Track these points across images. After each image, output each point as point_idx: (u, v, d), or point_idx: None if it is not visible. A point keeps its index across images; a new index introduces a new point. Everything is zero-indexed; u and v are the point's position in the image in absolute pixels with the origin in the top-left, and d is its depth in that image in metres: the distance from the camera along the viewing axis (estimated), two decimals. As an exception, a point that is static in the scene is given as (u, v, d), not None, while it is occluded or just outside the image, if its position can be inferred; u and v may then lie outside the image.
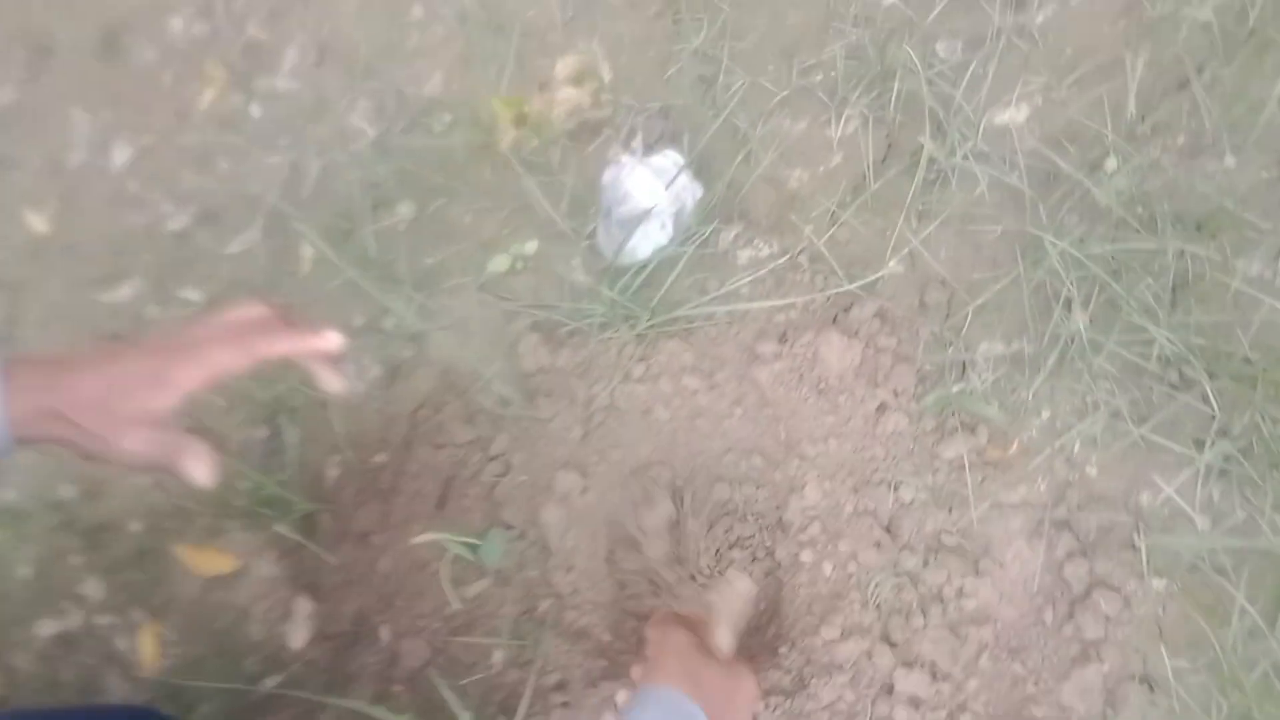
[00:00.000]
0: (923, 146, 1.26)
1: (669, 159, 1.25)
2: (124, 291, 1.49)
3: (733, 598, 1.08)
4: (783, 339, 1.21)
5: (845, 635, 1.09)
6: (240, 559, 1.32)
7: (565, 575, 1.20)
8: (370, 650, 1.23)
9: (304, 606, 1.28)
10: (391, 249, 1.41)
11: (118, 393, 0.73)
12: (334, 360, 0.84)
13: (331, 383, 0.84)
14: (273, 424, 1.37)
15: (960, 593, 1.11)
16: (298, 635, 1.27)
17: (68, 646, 1.33)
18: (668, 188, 1.21)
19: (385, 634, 1.24)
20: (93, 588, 1.36)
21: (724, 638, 1.03)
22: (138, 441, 0.73)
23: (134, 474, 1.37)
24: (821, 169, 1.31)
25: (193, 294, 1.47)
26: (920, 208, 1.24)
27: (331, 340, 0.81)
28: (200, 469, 0.74)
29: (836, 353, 1.15)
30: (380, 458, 1.32)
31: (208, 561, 1.33)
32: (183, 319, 0.80)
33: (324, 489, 1.34)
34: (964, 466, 1.15)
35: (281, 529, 1.29)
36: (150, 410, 0.73)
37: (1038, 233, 1.13)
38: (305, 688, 1.22)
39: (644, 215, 1.20)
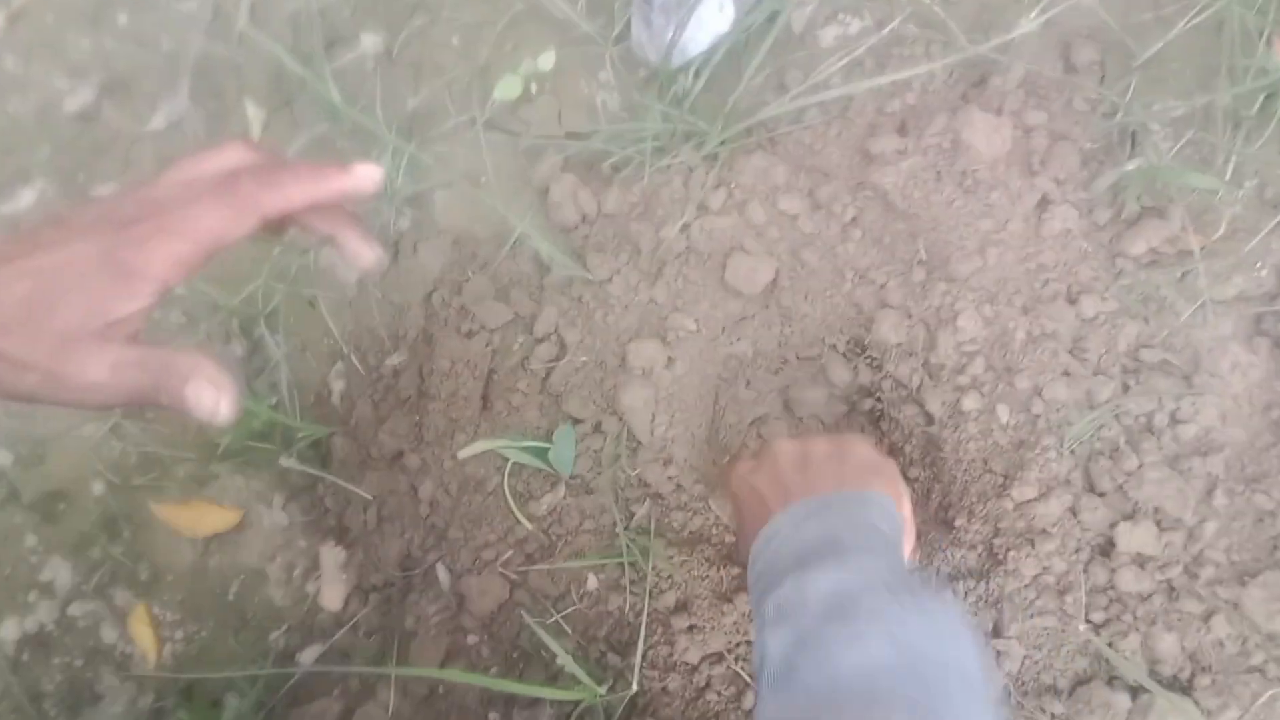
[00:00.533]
0: None
1: (720, -86, 0.95)
2: (24, 198, 1.17)
3: None
4: (903, 130, 0.94)
5: (1044, 492, 0.86)
6: (240, 509, 1.06)
7: (663, 470, 0.95)
8: (428, 598, 0.98)
9: (333, 556, 1.03)
10: (361, 94, 1.10)
11: (56, 295, 0.46)
12: (364, 216, 0.57)
13: (364, 253, 0.57)
14: (249, 335, 1.09)
15: (1174, 419, 0.88)
16: (332, 593, 1.01)
17: (43, 647, 1.07)
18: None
19: (444, 575, 0.99)
20: (58, 571, 1.09)
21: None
22: (103, 368, 0.47)
23: (85, 420, 1.08)
24: (912, -90, 1.02)
25: (114, 188, 1.15)
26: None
27: (367, 175, 0.54)
28: (215, 398, 0.48)
29: (983, 135, 0.88)
30: (395, 359, 1.05)
31: (198, 518, 1.06)
32: (135, 183, 0.50)
33: (331, 407, 1.07)
34: (1157, 262, 0.91)
35: (288, 463, 1.02)
36: (114, 317, 0.47)
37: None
38: (355, 658, 0.98)
39: (703, -12, 0.91)
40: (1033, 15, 0.94)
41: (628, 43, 1.02)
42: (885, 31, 0.98)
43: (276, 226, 0.56)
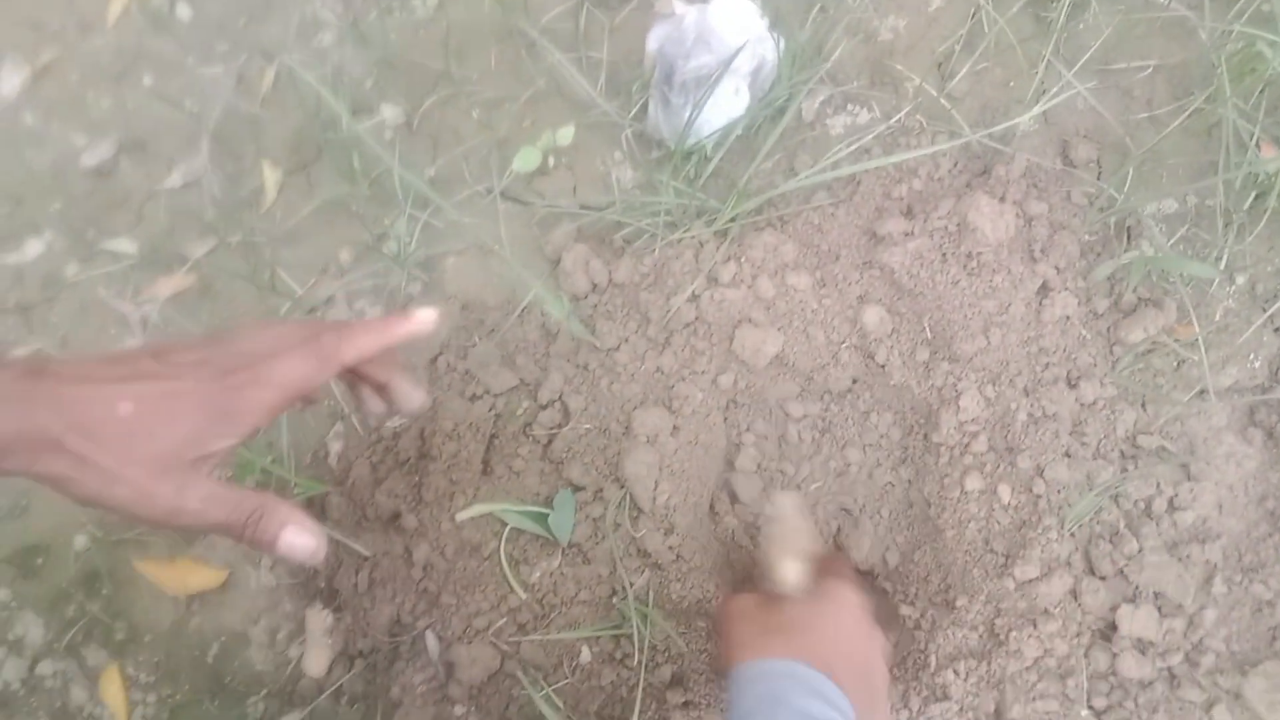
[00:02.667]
0: (1040, -25, 1.08)
1: (737, 3, 1.04)
2: (31, 249, 1.22)
3: (781, 521, 0.86)
4: (909, 213, 1.01)
5: (1045, 572, 0.90)
6: (226, 568, 1.07)
7: (663, 540, 0.98)
8: (416, 666, 1.00)
9: (320, 620, 1.04)
10: (379, 161, 1.16)
11: (158, 422, 0.54)
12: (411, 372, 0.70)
13: (414, 396, 0.70)
14: (250, 393, 1.12)
15: (1172, 505, 0.93)
16: (316, 658, 1.02)
17: (5, 707, 1.07)
18: (747, 33, 0.99)
19: (433, 643, 1.00)
20: (30, 627, 1.09)
21: (787, 570, 0.80)
22: (195, 498, 0.54)
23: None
24: (920, 14, 1.11)
25: (124, 244, 1.20)
26: (1050, 49, 1.05)
27: (426, 318, 0.66)
28: (314, 545, 0.57)
29: (988, 219, 0.95)
30: (396, 421, 1.08)
31: (183, 576, 1.08)
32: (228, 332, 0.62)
33: (327, 468, 1.10)
34: (1153, 351, 0.97)
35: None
36: (206, 451, 0.55)
37: (1252, 33, 0.94)
38: (337, 724, 0.98)
39: (722, 69, 0.98)
40: (1035, 109, 1.02)
41: (644, 122, 1.10)
42: (893, 121, 1.06)
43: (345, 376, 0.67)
